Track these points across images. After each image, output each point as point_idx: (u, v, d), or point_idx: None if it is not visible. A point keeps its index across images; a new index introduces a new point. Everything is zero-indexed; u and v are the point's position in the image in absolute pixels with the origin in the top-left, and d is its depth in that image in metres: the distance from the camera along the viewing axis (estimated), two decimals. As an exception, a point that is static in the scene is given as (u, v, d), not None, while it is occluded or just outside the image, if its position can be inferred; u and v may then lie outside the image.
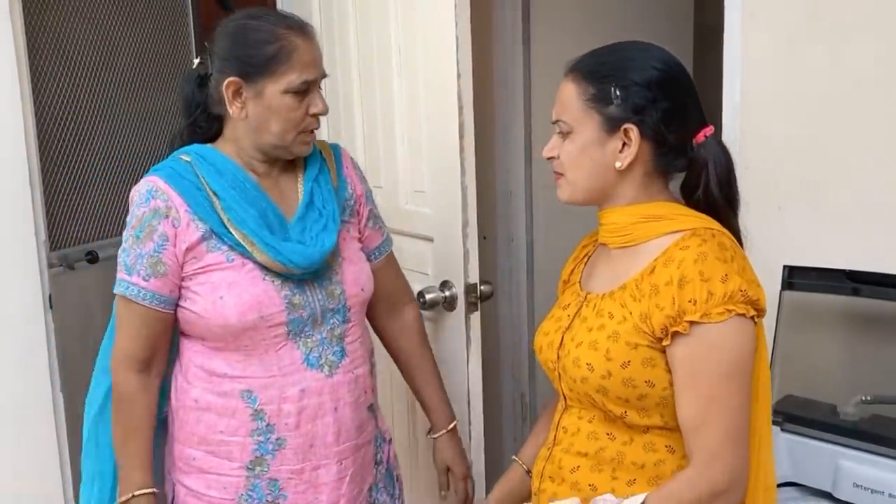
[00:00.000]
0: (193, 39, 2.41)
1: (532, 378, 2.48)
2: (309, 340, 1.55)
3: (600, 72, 1.26)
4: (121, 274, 1.51)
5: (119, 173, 2.25)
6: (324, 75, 1.54)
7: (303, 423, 1.54)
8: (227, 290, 1.48)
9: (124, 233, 1.52)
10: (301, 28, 1.50)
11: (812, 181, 1.65)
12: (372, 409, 1.66)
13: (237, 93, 1.49)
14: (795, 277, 1.62)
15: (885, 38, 1.54)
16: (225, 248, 1.50)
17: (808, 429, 1.55)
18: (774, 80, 1.68)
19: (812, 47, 1.62)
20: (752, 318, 1.19)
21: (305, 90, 1.48)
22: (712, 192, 1.27)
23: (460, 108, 1.80)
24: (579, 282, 1.42)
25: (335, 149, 1.69)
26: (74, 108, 2.11)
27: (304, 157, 1.60)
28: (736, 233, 1.30)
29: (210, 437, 1.54)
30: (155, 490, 1.54)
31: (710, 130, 1.28)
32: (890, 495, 1.42)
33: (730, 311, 1.17)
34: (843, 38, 1.58)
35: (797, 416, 1.56)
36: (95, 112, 2.16)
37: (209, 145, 1.57)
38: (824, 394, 1.62)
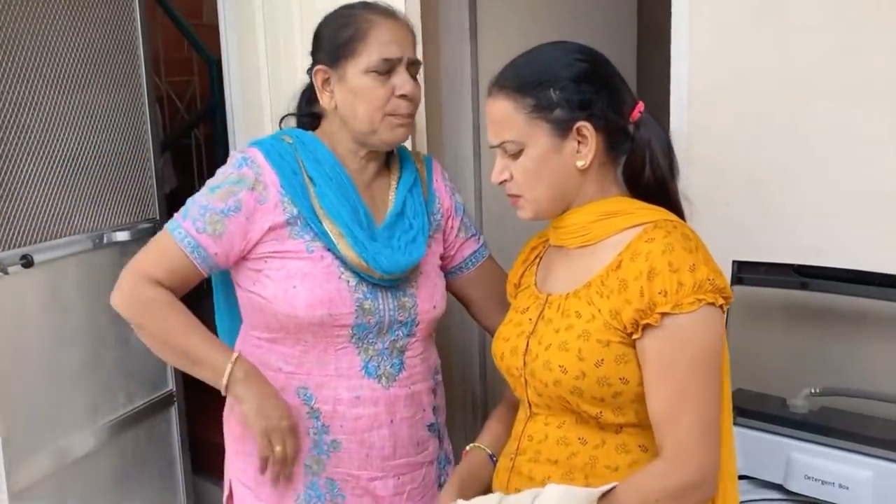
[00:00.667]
0: (140, 34, 2.32)
1: (483, 376, 2.46)
2: (371, 348, 1.52)
3: (531, 81, 1.24)
4: (178, 214, 1.48)
5: (56, 173, 2.16)
6: (414, 60, 1.51)
7: (359, 430, 1.52)
8: (301, 281, 1.46)
9: (206, 184, 1.50)
10: (384, 10, 1.49)
11: (759, 177, 1.67)
12: (434, 428, 1.62)
13: (326, 81, 1.49)
14: (744, 272, 1.64)
15: (831, 34, 1.56)
16: (308, 237, 1.47)
17: (759, 422, 1.58)
18: (721, 77, 1.70)
19: (758, 43, 1.64)
20: (720, 306, 1.20)
21: (389, 70, 1.46)
22: (660, 166, 1.28)
23: (410, 104, 1.77)
24: (535, 284, 1.40)
25: (427, 161, 1.67)
26: (6, 105, 2.01)
27: (399, 166, 1.58)
28: (680, 204, 1.32)
29: None
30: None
31: (642, 106, 1.29)
32: (840, 486, 1.45)
33: (700, 300, 1.17)
34: (790, 34, 1.60)
35: (748, 409, 1.59)
36: (30, 110, 2.07)
37: (310, 132, 1.55)
38: (774, 387, 1.65)
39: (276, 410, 1.44)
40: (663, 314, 1.17)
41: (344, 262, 1.47)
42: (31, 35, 2.06)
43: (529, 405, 1.33)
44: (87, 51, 2.21)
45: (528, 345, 1.31)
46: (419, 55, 1.79)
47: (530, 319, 1.34)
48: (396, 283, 1.52)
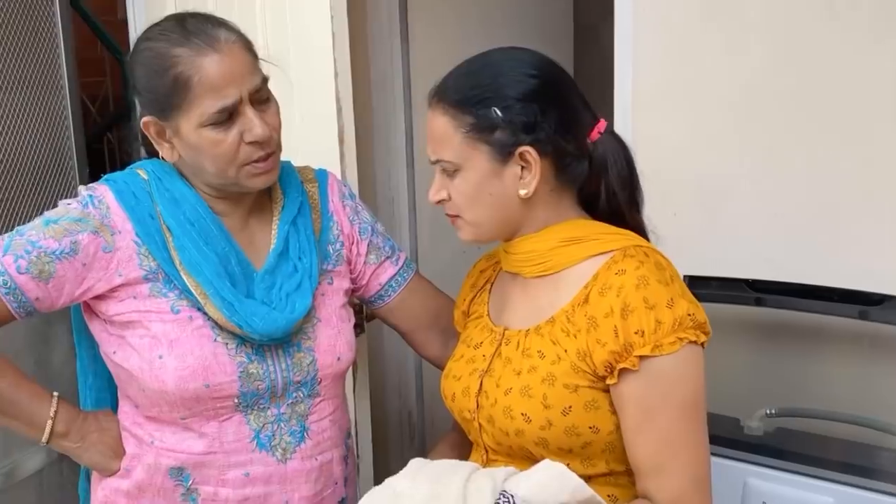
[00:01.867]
0: (60, 28, 2.13)
1: (419, 397, 2.35)
2: (262, 415, 1.28)
3: (472, 97, 1.11)
4: None
5: None
6: (259, 84, 1.23)
7: None
8: (169, 349, 1.22)
9: (38, 217, 1.25)
10: (208, 40, 1.20)
11: (708, 186, 1.59)
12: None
13: (160, 132, 1.25)
14: (696, 287, 1.54)
15: (781, 34, 1.49)
16: (172, 294, 1.24)
17: (713, 445, 1.48)
18: (666, 82, 1.62)
19: (705, 47, 1.57)
20: (701, 343, 1.09)
21: (230, 116, 1.20)
22: (616, 192, 1.17)
23: (339, 110, 1.65)
24: (488, 314, 1.27)
25: (320, 175, 1.43)
26: None
27: (282, 193, 1.35)
28: (644, 234, 1.21)
29: None
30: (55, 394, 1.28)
31: (603, 126, 1.17)
32: (801, 511, 1.38)
33: (681, 339, 1.06)
34: (739, 34, 1.53)
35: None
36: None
37: (169, 163, 1.30)
38: (728, 408, 1.56)
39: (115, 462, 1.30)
40: (641, 357, 1.06)
41: (216, 320, 1.25)
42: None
43: (486, 450, 1.21)
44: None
45: (481, 385, 1.19)
46: (348, 56, 1.66)
47: (484, 356, 1.21)
48: (286, 338, 1.29)
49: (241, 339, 1.25)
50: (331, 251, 1.39)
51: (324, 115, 1.66)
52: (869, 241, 1.45)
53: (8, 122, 2.06)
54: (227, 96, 1.19)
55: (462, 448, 1.32)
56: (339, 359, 1.34)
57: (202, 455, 1.27)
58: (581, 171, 1.16)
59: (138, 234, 1.24)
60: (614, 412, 1.10)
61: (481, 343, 1.24)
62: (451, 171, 1.14)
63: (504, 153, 1.11)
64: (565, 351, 1.11)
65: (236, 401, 1.26)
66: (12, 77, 2.07)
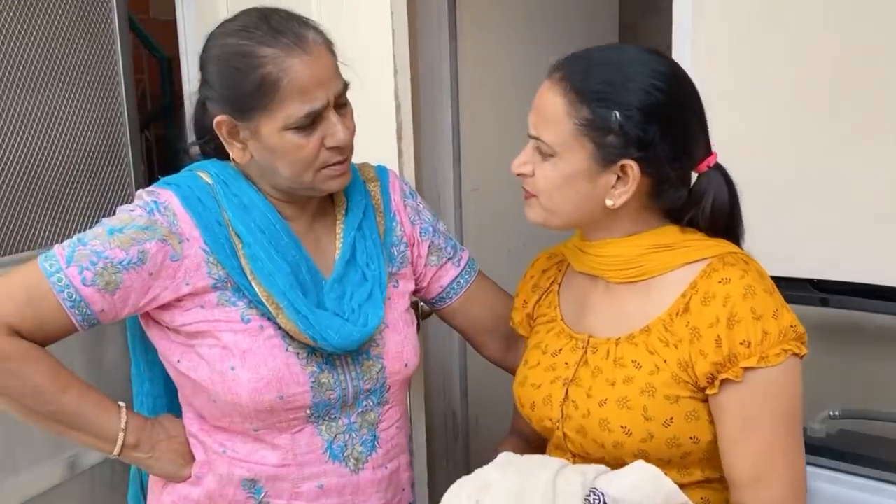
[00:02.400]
0: (117, 27, 2.13)
1: (464, 397, 2.33)
2: (334, 425, 1.26)
3: (597, 91, 1.06)
4: (59, 250, 1.16)
5: (4, 188, 1.95)
6: (342, 89, 1.20)
7: None
8: (241, 361, 1.18)
9: (101, 222, 1.20)
10: (296, 40, 1.15)
11: (771, 186, 1.57)
12: None
13: (233, 132, 1.20)
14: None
15: (845, 34, 1.46)
16: (241, 303, 1.20)
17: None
18: (727, 80, 1.59)
19: (767, 44, 1.54)
20: (801, 356, 1.08)
21: (314, 120, 1.17)
22: (701, 223, 1.14)
23: (397, 107, 1.64)
24: (561, 319, 1.23)
25: (381, 174, 1.39)
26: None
27: (345, 196, 1.31)
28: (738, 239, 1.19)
29: None
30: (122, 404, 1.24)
31: (713, 160, 1.14)
32: (865, 515, 1.36)
33: (786, 350, 1.05)
34: (801, 35, 1.50)
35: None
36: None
37: (231, 165, 1.26)
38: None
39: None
40: (746, 368, 1.04)
41: (287, 331, 1.21)
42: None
43: (573, 456, 1.18)
44: (53, 48, 2.01)
45: (567, 394, 1.16)
46: (407, 53, 1.65)
47: (566, 364, 1.18)
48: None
49: (312, 349, 1.22)
50: (395, 253, 1.36)
51: (382, 112, 1.65)
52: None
53: (65, 119, 2.06)
54: (316, 100, 1.16)
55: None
56: (406, 365, 1.32)
57: (276, 468, 1.24)
58: (678, 197, 1.13)
59: (206, 241, 1.19)
60: (713, 422, 1.09)
61: (560, 350, 1.20)
62: (545, 154, 1.10)
63: (607, 159, 1.07)
64: (664, 361, 1.08)
65: (308, 411, 1.23)
66: (69, 74, 2.07)
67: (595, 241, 1.16)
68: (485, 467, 1.06)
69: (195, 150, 1.33)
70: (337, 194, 1.33)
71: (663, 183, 1.10)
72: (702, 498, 1.13)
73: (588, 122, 1.07)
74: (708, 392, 1.07)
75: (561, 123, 1.08)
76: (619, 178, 1.08)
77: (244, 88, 1.16)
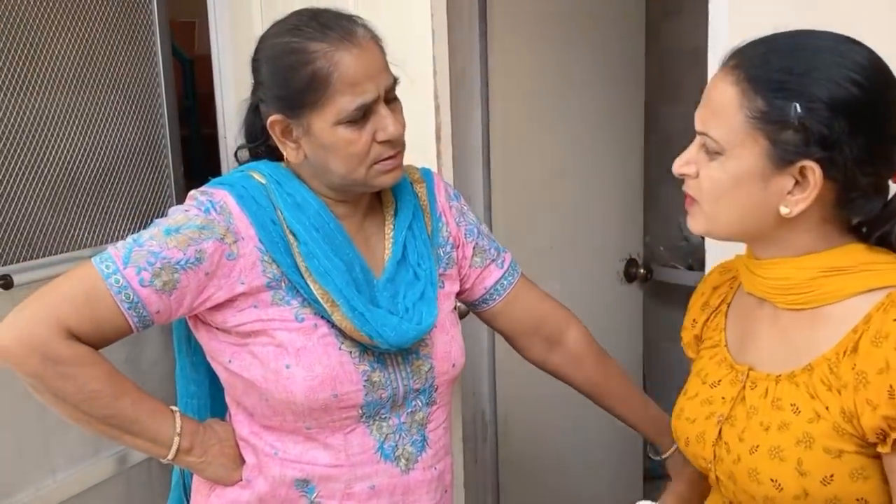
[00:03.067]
0: (157, 29, 2.15)
1: (492, 398, 2.33)
2: (384, 425, 1.26)
3: (775, 80, 0.93)
4: (114, 251, 1.16)
5: (44, 190, 1.97)
6: (392, 84, 1.21)
7: None
8: (296, 359, 1.18)
9: (154, 222, 1.20)
10: (345, 34, 1.17)
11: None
12: None
13: (286, 131, 1.21)
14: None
15: (886, 24, 1.44)
16: (295, 302, 1.20)
17: None
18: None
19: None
20: None
21: (365, 114, 1.17)
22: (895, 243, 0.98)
23: (436, 108, 1.65)
24: (725, 345, 1.11)
25: (426, 175, 1.40)
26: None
27: (394, 197, 1.32)
28: None
29: None
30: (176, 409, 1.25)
31: None
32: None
33: None
34: (840, 27, 1.50)
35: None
36: (16, 118, 1.88)
37: (283, 166, 1.27)
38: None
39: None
40: None
41: (341, 329, 1.22)
42: (17, 36, 1.87)
43: (730, 501, 1.08)
44: (89, 53, 2.02)
45: (720, 433, 1.04)
46: (447, 54, 1.65)
47: (723, 399, 1.06)
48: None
49: (364, 348, 1.23)
50: (442, 254, 1.36)
51: (421, 113, 1.66)
52: None
53: (107, 120, 2.08)
54: (367, 92, 1.17)
55: (700, 485, 1.22)
56: (453, 365, 1.33)
57: (328, 468, 1.24)
58: (869, 209, 0.97)
59: (262, 240, 1.20)
60: (888, 483, 0.93)
61: (719, 381, 1.08)
62: (712, 152, 0.98)
63: (784, 159, 0.93)
64: (826, 408, 0.94)
65: (360, 410, 1.23)
66: (112, 75, 2.09)
67: (764, 260, 1.03)
68: None
69: (244, 153, 1.34)
70: (385, 194, 1.34)
71: (851, 191, 0.95)
72: None
73: (762, 114, 0.93)
74: (880, 450, 0.91)
75: (731, 116, 0.95)
76: (797, 182, 0.94)
77: (296, 85, 1.17)
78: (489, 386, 2.32)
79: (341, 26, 1.18)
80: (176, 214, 1.20)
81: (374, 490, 1.26)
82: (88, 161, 2.03)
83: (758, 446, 0.98)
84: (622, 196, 2.60)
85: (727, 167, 0.96)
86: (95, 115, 2.04)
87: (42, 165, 1.94)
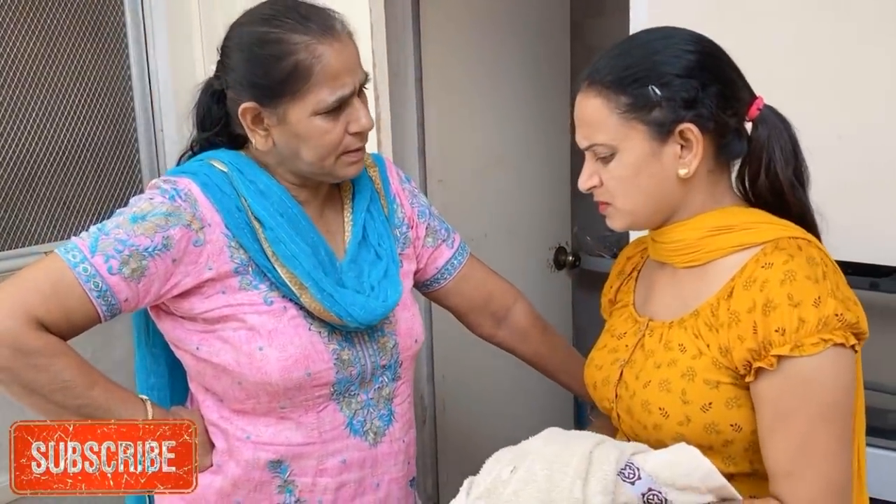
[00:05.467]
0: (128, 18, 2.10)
1: (430, 380, 2.40)
2: (353, 402, 1.30)
3: (627, 76, 1.08)
4: (79, 241, 1.17)
5: (22, 178, 1.93)
6: (364, 80, 1.26)
7: (339, 501, 1.31)
8: (269, 341, 1.22)
9: (116, 212, 1.21)
10: (326, 28, 1.20)
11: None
12: (413, 483, 1.44)
13: (257, 119, 1.24)
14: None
15: (794, 23, 1.53)
16: (263, 286, 1.24)
17: (879, 438, 1.47)
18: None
19: (719, 35, 1.63)
20: (852, 346, 1.03)
21: (341, 106, 1.22)
22: (777, 173, 1.12)
23: (376, 98, 1.70)
24: (633, 304, 1.25)
25: (379, 162, 1.44)
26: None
27: (351, 182, 1.36)
28: (811, 218, 1.15)
29: None
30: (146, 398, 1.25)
31: (761, 102, 1.13)
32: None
33: (825, 340, 1.00)
34: (751, 25, 1.56)
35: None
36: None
37: (243, 153, 1.29)
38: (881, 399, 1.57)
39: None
40: (780, 357, 1.01)
41: (309, 311, 1.26)
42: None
43: (627, 439, 1.18)
44: (66, 40, 1.96)
45: (621, 375, 1.18)
46: (385, 46, 1.70)
47: (626, 346, 1.20)
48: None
49: (332, 328, 1.27)
50: (398, 235, 1.41)
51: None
52: None
53: (75, 111, 2.04)
54: (346, 85, 1.21)
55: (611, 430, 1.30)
56: (416, 340, 1.39)
57: (301, 446, 1.28)
58: (741, 149, 1.13)
59: (228, 226, 1.22)
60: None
61: (625, 333, 1.22)
62: (606, 156, 1.11)
63: (663, 132, 1.08)
64: (707, 346, 1.08)
65: (332, 388, 1.28)
66: (80, 66, 2.04)
67: (661, 229, 1.16)
68: (530, 438, 1.08)
69: (195, 149, 1.35)
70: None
71: (724, 134, 1.10)
72: (752, 496, 1.09)
73: (630, 105, 1.08)
74: (747, 380, 1.05)
75: (607, 120, 1.09)
76: (682, 146, 1.09)
77: (275, 75, 1.19)
78: (427, 370, 2.39)
79: (321, 19, 1.22)
80: (140, 203, 1.21)
81: (344, 464, 1.31)
82: (60, 155, 1.99)
83: (650, 381, 1.12)
84: (551, 187, 2.71)
85: (623, 160, 1.10)
86: (63, 107, 2.01)
87: (15, 157, 1.90)
